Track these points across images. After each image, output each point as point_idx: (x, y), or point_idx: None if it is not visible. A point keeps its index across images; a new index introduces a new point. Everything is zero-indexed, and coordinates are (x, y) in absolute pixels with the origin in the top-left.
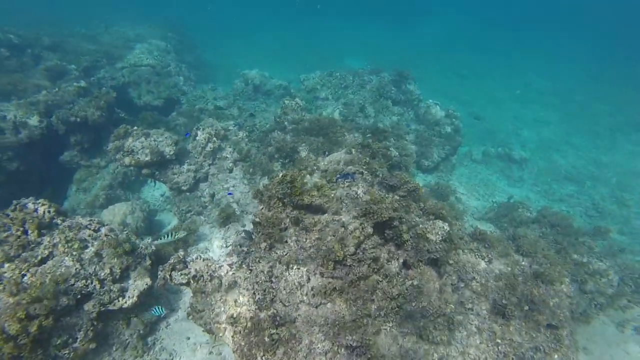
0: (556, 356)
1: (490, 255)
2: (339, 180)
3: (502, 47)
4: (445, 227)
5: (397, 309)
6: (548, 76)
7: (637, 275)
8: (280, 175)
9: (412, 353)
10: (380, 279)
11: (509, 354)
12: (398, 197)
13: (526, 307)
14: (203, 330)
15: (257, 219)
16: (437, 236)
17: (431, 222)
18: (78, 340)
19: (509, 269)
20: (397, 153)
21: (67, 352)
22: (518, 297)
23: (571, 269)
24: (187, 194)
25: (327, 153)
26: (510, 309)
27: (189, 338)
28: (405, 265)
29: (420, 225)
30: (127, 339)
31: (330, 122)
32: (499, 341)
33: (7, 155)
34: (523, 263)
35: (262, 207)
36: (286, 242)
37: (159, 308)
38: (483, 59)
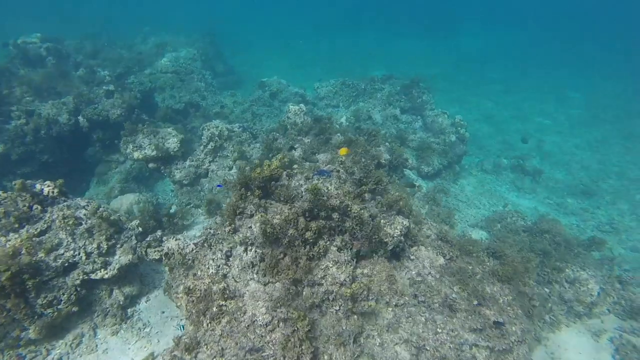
0: (497, 348)
1: (452, 254)
2: (315, 176)
3: (538, 60)
4: (404, 223)
5: (346, 295)
6: (583, 90)
7: (620, 287)
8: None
9: (355, 335)
10: (330, 265)
11: (445, 342)
12: (368, 191)
13: (475, 302)
14: (176, 305)
15: (225, 206)
16: (396, 231)
17: (392, 217)
18: (62, 302)
19: (470, 267)
20: (388, 156)
21: (51, 311)
22: (469, 292)
23: (536, 273)
24: (188, 187)
25: (316, 154)
26: (458, 303)
27: (163, 312)
28: (359, 255)
29: (382, 220)
30: (107, 308)
31: (329, 126)
32: (439, 330)
33: (40, 148)
34: (488, 263)
35: (232, 194)
36: (250, 227)
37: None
38: (517, 72)
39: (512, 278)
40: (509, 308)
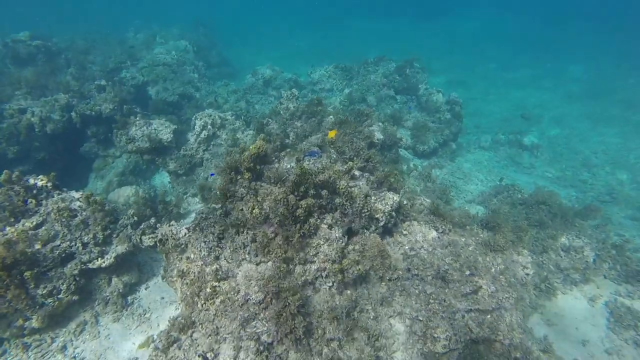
0: (489, 316)
1: (444, 227)
2: (306, 157)
3: (537, 41)
4: (395, 198)
5: (338, 271)
6: (585, 66)
7: (615, 252)
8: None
9: (349, 309)
10: (322, 242)
11: (437, 312)
12: (357, 168)
13: (467, 272)
14: (174, 290)
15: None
16: (387, 206)
17: (383, 193)
18: (62, 292)
19: (463, 239)
20: (381, 135)
21: (51, 300)
22: (461, 263)
23: (531, 241)
24: (184, 177)
25: (308, 137)
26: (450, 274)
27: (162, 297)
28: (351, 232)
29: (372, 197)
30: (108, 296)
31: (320, 109)
32: (431, 301)
33: (34, 146)
34: (482, 235)
35: (221, 178)
36: (242, 210)
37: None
38: (515, 52)
39: (505, 248)
40: (501, 277)
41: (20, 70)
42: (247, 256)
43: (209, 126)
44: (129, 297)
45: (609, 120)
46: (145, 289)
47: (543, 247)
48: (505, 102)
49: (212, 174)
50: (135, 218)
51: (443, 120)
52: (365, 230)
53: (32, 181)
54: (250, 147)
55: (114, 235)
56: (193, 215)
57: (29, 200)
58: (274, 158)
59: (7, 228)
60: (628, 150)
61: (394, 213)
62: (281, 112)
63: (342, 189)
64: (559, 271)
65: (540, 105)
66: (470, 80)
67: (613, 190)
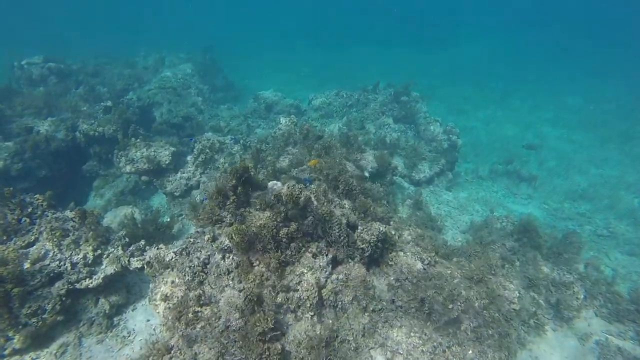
0: (470, 352)
1: (430, 259)
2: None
3: (535, 69)
4: (381, 229)
5: (318, 299)
6: (582, 94)
7: (606, 290)
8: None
9: (328, 339)
10: (305, 271)
11: (418, 346)
12: (341, 196)
13: (450, 306)
14: (157, 313)
15: (200, 214)
16: (372, 237)
17: (369, 223)
18: (46, 311)
19: (448, 271)
20: (375, 163)
21: (35, 320)
22: (444, 296)
23: (517, 274)
24: (180, 199)
25: (302, 163)
26: (433, 307)
27: (148, 320)
28: (335, 261)
29: (359, 228)
30: (93, 317)
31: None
32: (412, 334)
33: (37, 163)
34: (467, 267)
35: (208, 202)
36: (229, 234)
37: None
38: (516, 82)
39: (486, 279)
40: (484, 312)
41: (32, 91)
42: (230, 282)
43: (207, 149)
44: (115, 318)
45: (607, 153)
46: (132, 310)
47: (530, 281)
48: (504, 131)
49: (204, 199)
50: (127, 239)
51: (440, 149)
52: (350, 260)
53: (28, 199)
54: (235, 166)
55: (104, 256)
56: (185, 237)
57: (23, 218)
58: (265, 184)
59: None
60: (627, 185)
61: (379, 243)
62: (278, 137)
63: (324, 215)
64: (548, 307)
65: (539, 135)
66: (470, 109)
67: (610, 224)
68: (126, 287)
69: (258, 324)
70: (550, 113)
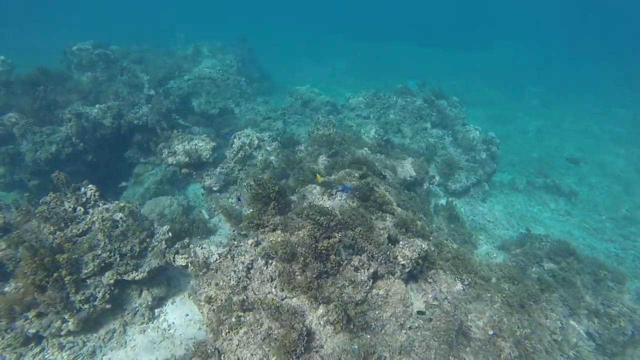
0: None
1: (470, 279)
2: (339, 192)
3: (578, 75)
4: (423, 246)
5: (360, 314)
6: (630, 106)
7: None
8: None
9: (365, 355)
10: (347, 284)
11: None
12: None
13: (490, 332)
14: (201, 313)
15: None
16: (414, 253)
17: (411, 239)
18: (97, 299)
19: (489, 294)
20: (414, 172)
21: (87, 307)
22: (484, 321)
23: (558, 302)
24: (217, 194)
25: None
26: (472, 331)
27: (187, 315)
28: (376, 276)
29: (401, 242)
30: (137, 307)
31: (355, 138)
32: (451, 357)
33: (84, 148)
34: (507, 291)
35: (251, 208)
36: (272, 241)
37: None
38: (558, 89)
39: (523, 304)
40: (526, 341)
41: (81, 76)
42: (273, 290)
43: (247, 146)
44: (156, 310)
45: None
46: (172, 303)
47: (571, 310)
48: (543, 141)
49: (239, 200)
50: (170, 234)
51: (478, 159)
52: (391, 275)
53: (82, 189)
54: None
55: (149, 249)
56: (220, 232)
57: (78, 207)
58: (300, 190)
59: (57, 232)
60: None
61: (420, 260)
62: (316, 139)
63: (363, 231)
64: (589, 338)
65: (581, 148)
66: (508, 115)
67: None
68: (167, 280)
69: (294, 335)
70: (595, 125)
